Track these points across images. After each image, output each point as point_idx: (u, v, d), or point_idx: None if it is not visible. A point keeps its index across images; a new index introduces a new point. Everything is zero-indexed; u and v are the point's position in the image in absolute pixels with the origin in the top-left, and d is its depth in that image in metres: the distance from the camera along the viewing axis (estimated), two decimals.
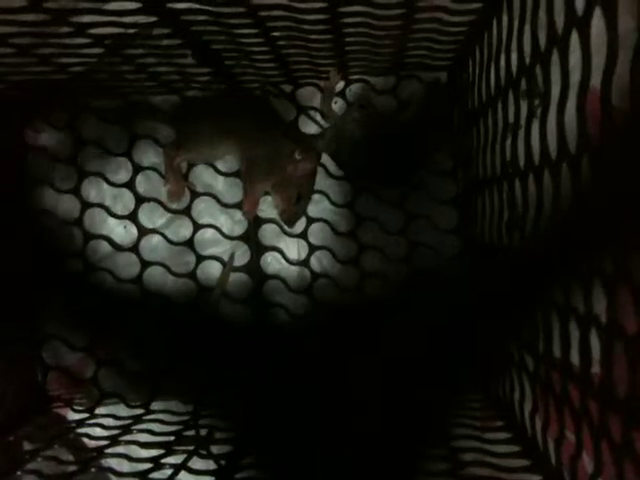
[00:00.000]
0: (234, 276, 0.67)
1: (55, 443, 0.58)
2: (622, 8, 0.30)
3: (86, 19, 0.45)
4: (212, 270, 0.68)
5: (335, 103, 0.67)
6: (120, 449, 0.56)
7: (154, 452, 0.54)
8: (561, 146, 0.36)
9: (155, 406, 0.65)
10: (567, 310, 0.37)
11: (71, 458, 0.59)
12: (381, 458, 0.49)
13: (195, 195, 0.67)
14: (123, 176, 0.67)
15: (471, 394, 0.61)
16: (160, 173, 0.67)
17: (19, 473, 0.52)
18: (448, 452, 0.49)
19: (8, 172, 0.66)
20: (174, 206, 0.67)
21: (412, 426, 0.54)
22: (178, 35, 0.50)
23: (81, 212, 0.67)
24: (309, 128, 0.67)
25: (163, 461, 0.52)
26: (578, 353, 0.36)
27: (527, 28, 0.41)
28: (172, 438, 0.57)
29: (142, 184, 0.67)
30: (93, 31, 0.46)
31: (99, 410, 0.65)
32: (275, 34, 0.52)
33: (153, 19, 0.46)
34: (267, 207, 0.67)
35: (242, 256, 0.68)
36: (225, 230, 0.68)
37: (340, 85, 0.67)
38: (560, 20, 0.35)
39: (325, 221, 0.67)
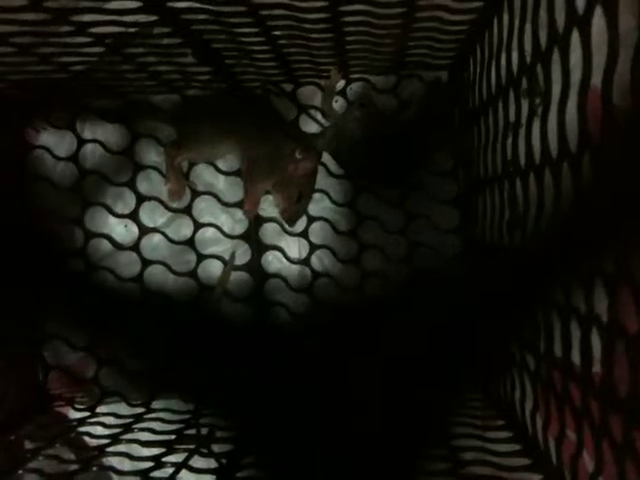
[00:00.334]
0: (235, 275, 0.67)
1: (56, 442, 0.58)
2: (623, 7, 0.30)
3: (87, 18, 0.45)
4: (213, 269, 0.68)
5: (336, 102, 0.67)
6: (121, 448, 0.56)
7: (155, 451, 0.54)
8: (562, 145, 0.36)
9: (156, 405, 0.65)
10: (568, 309, 0.37)
11: (72, 457, 0.59)
12: (381, 458, 0.49)
13: (196, 194, 0.68)
14: (124, 175, 0.67)
15: (472, 393, 0.61)
16: (161, 172, 0.67)
17: (20, 472, 0.52)
18: (449, 451, 0.49)
19: (8, 171, 0.66)
20: (175, 205, 0.67)
21: (412, 425, 0.54)
22: (178, 34, 0.50)
23: (82, 211, 0.67)
24: (310, 127, 0.67)
25: (164, 460, 0.52)
26: (579, 352, 0.36)
27: (528, 27, 0.41)
28: (173, 437, 0.57)
29: (143, 183, 0.67)
30: (94, 30, 0.46)
31: (100, 409, 0.65)
32: (276, 33, 0.52)
33: (153, 18, 0.46)
34: (268, 206, 0.67)
35: (243, 255, 0.68)
36: (226, 229, 0.68)
37: (341, 84, 0.67)
38: (561, 19, 0.35)
39: (326, 220, 0.67)
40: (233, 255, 0.67)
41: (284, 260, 0.68)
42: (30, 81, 0.57)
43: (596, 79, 0.32)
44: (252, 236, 0.67)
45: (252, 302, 0.67)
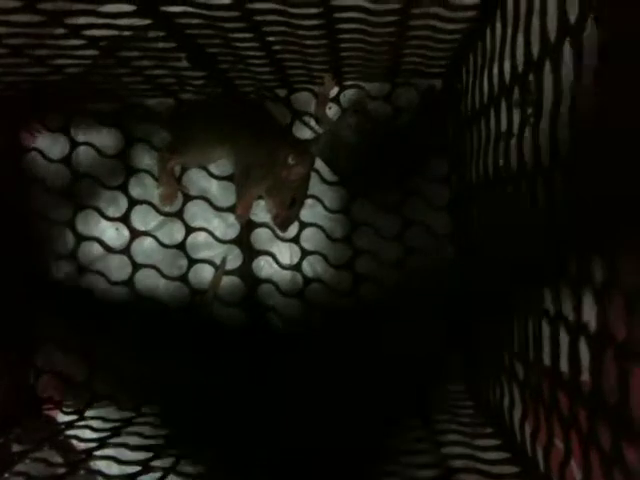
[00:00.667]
0: (226, 280, 0.67)
1: (44, 445, 0.58)
2: None
3: (81, 21, 0.45)
4: (204, 274, 0.68)
5: (329, 108, 0.67)
6: (109, 452, 0.56)
7: (143, 455, 0.53)
8: (554, 153, 0.36)
9: (146, 409, 0.64)
10: (557, 318, 0.37)
11: (60, 460, 0.58)
12: (369, 465, 0.49)
13: (188, 198, 0.67)
14: (117, 179, 0.67)
15: (462, 401, 0.61)
16: (153, 176, 0.67)
17: (7, 475, 0.52)
18: (438, 459, 0.49)
19: (2, 173, 0.66)
20: (167, 209, 0.67)
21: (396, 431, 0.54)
22: (173, 38, 0.50)
23: (74, 214, 0.67)
24: (303, 133, 0.67)
25: (152, 464, 0.52)
26: (567, 361, 0.36)
27: (520, 37, 0.41)
28: (162, 441, 0.56)
29: (135, 187, 0.67)
30: (88, 33, 0.47)
31: (89, 412, 0.65)
32: (270, 39, 0.52)
33: (148, 22, 0.45)
34: (260, 211, 0.67)
35: (234, 260, 0.68)
36: (218, 234, 0.68)
37: (335, 91, 0.67)
38: (553, 29, 0.35)
39: (318, 226, 0.67)
40: (224, 260, 0.67)
41: (275, 265, 0.68)
42: (25, 83, 0.57)
43: None
44: (244, 241, 0.67)
45: (243, 307, 0.67)
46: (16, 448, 0.58)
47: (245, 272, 0.67)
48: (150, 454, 0.53)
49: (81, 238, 0.67)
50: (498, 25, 0.46)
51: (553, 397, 0.39)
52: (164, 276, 0.67)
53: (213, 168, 0.67)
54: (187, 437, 0.58)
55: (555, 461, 0.39)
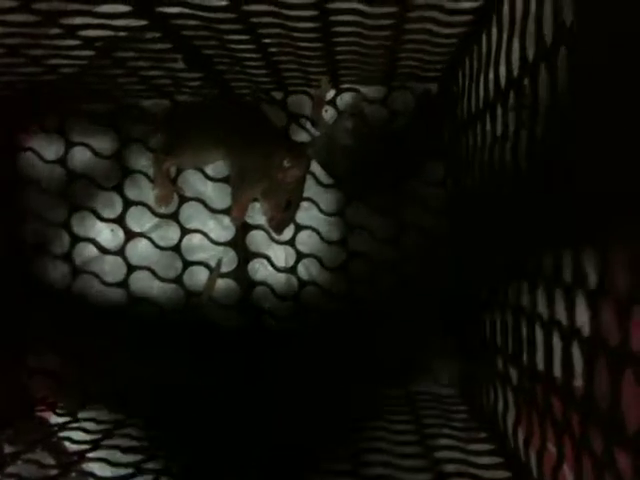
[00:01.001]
0: (221, 282, 0.67)
1: (36, 446, 0.57)
2: None
3: (76, 21, 0.45)
4: (199, 275, 0.67)
5: (326, 111, 0.67)
6: (102, 454, 0.55)
7: (136, 457, 0.53)
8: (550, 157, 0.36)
9: (139, 411, 0.64)
10: (550, 322, 0.37)
11: (52, 462, 0.58)
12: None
13: (183, 200, 0.67)
14: (112, 180, 0.67)
15: (456, 405, 0.61)
16: (149, 177, 0.67)
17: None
18: (431, 463, 0.49)
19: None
20: (162, 210, 0.67)
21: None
22: (169, 39, 0.50)
23: (69, 214, 0.67)
24: (299, 136, 0.67)
25: (144, 466, 0.51)
26: (560, 365, 0.36)
27: (516, 41, 0.41)
28: (155, 443, 0.56)
29: (131, 188, 0.67)
30: (83, 33, 0.46)
31: (82, 414, 0.64)
32: (266, 41, 0.52)
33: (143, 23, 0.45)
34: (256, 213, 0.67)
35: (229, 262, 0.68)
36: (213, 236, 0.67)
37: (331, 94, 0.67)
38: (549, 34, 0.35)
39: (313, 229, 0.67)
40: (219, 262, 0.67)
41: (270, 268, 0.68)
42: (20, 83, 0.57)
43: None
44: (239, 243, 0.67)
45: (238, 309, 0.67)
46: (8, 449, 0.57)
47: (240, 274, 0.67)
48: (142, 456, 0.53)
49: (76, 239, 0.67)
50: (494, 29, 0.46)
51: (546, 402, 0.39)
52: (159, 278, 0.67)
53: (209, 170, 0.67)
54: (180, 438, 0.58)
55: (548, 466, 0.39)
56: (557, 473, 0.37)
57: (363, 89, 0.67)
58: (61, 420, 0.64)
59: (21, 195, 0.67)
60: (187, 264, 0.67)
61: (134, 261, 0.67)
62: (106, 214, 0.67)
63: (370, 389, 0.65)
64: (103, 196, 0.67)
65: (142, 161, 0.67)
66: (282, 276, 0.68)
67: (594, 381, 0.32)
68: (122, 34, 0.47)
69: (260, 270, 0.68)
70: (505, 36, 0.44)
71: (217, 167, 0.67)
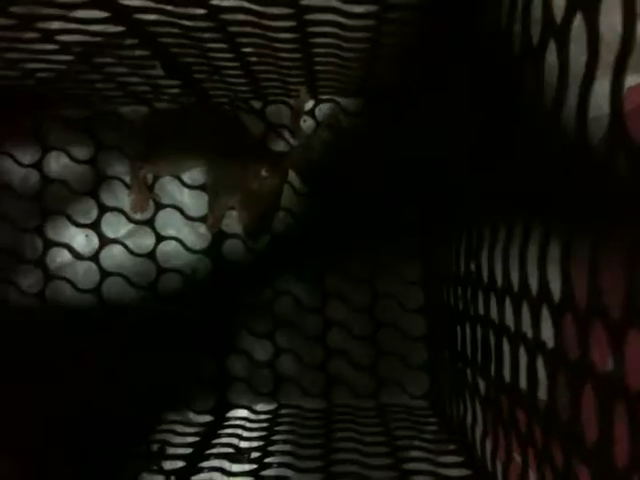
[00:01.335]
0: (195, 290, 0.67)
1: None
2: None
3: (54, 25, 0.45)
4: (172, 283, 0.67)
5: (304, 122, 0.67)
6: None
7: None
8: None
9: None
10: (517, 335, 0.37)
11: None
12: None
13: (159, 207, 0.67)
14: (87, 185, 0.67)
15: (425, 417, 0.61)
16: (125, 183, 0.67)
17: None
18: (400, 474, 0.49)
19: None
20: (137, 217, 0.67)
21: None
22: (146, 46, 0.50)
23: (43, 219, 0.67)
24: (277, 145, 0.68)
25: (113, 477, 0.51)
26: (526, 378, 0.37)
27: None
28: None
29: (106, 194, 0.67)
30: (60, 38, 0.46)
31: None
32: (245, 50, 0.53)
33: (121, 29, 0.45)
34: (231, 222, 0.67)
35: (204, 270, 0.67)
36: (188, 243, 0.67)
37: (310, 104, 0.67)
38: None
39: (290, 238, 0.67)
40: (195, 270, 0.67)
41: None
42: None
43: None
44: (214, 252, 0.67)
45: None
46: None
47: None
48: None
49: (49, 244, 0.67)
50: None
51: (511, 414, 0.39)
52: (132, 284, 0.67)
53: (185, 177, 0.67)
54: (148, 449, 0.58)
55: (513, 477, 0.40)
56: None
57: (342, 100, 0.67)
58: None
59: None
60: (161, 271, 0.67)
61: (107, 267, 0.67)
62: (81, 220, 0.67)
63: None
64: (78, 201, 0.67)
65: (119, 167, 0.67)
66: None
67: (555, 394, 0.32)
68: (99, 39, 0.47)
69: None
70: None
71: (194, 175, 0.67)
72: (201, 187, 0.67)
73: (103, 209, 0.67)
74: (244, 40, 0.50)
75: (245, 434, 0.59)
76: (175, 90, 0.63)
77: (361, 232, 0.67)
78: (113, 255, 0.67)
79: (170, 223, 0.67)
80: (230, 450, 0.55)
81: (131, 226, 0.67)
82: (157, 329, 0.66)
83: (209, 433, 0.60)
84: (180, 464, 0.53)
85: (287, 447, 0.55)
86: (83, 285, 0.67)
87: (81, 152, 0.67)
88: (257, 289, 0.67)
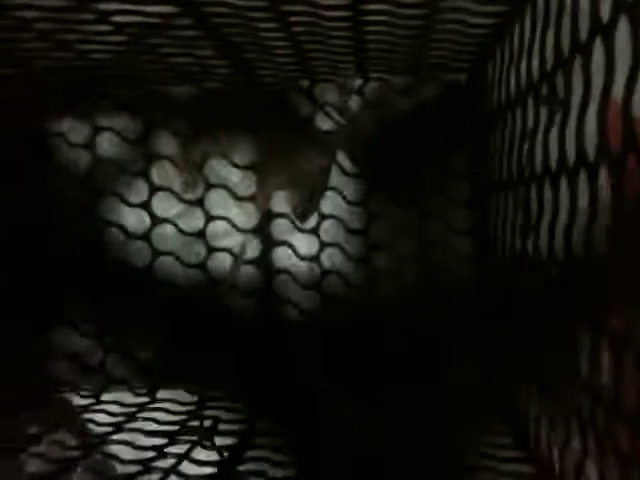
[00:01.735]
0: (244, 269, 0.67)
1: (60, 428, 0.58)
2: None
3: (107, 6, 0.45)
4: (223, 262, 0.68)
5: (353, 101, 0.67)
6: (124, 436, 0.56)
7: (158, 441, 0.54)
8: (580, 154, 0.36)
9: (161, 395, 0.65)
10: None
11: (75, 443, 0.59)
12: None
13: (209, 186, 0.68)
14: (138, 165, 0.68)
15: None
16: (175, 163, 0.67)
17: (22, 457, 0.53)
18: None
19: (28, 157, 0.66)
20: (188, 197, 0.67)
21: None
22: (198, 26, 0.50)
23: (95, 199, 0.68)
24: (325, 125, 0.67)
25: (167, 450, 0.52)
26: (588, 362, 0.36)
27: (550, 33, 0.41)
28: (176, 427, 0.57)
29: (157, 173, 0.68)
30: (114, 19, 0.46)
31: (105, 396, 0.65)
32: (296, 29, 0.52)
33: (175, 9, 0.45)
34: (280, 202, 0.67)
35: (253, 249, 0.68)
36: (237, 222, 0.68)
37: (358, 83, 0.67)
38: (584, 26, 0.35)
39: (337, 218, 0.67)
40: (243, 249, 0.67)
41: (294, 256, 0.68)
42: (50, 68, 0.57)
43: (618, 90, 0.31)
44: (263, 231, 0.67)
45: (260, 297, 0.68)
46: (32, 430, 0.58)
47: (263, 262, 0.67)
48: (165, 440, 0.54)
49: (103, 224, 0.68)
50: (527, 20, 0.46)
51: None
52: (182, 263, 0.68)
53: (235, 157, 0.67)
54: (201, 424, 0.58)
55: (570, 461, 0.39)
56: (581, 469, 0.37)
57: (391, 79, 0.67)
58: (84, 402, 0.64)
59: (50, 179, 0.67)
60: (211, 250, 0.68)
61: (158, 246, 0.68)
62: (132, 199, 0.68)
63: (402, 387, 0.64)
64: (129, 181, 0.67)
65: (169, 148, 0.67)
66: (305, 264, 0.68)
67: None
68: (153, 20, 0.47)
69: (283, 258, 0.68)
70: (539, 28, 0.43)
71: (243, 155, 0.67)
72: (250, 167, 0.67)
73: (154, 189, 0.67)
74: (295, 19, 0.50)
75: None
76: (224, 70, 0.63)
77: None
78: (164, 234, 0.68)
79: (219, 203, 0.68)
80: None
81: (181, 206, 0.67)
82: (207, 307, 0.67)
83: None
84: (230, 441, 0.54)
85: None
86: (135, 264, 0.68)
87: (132, 132, 0.67)
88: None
